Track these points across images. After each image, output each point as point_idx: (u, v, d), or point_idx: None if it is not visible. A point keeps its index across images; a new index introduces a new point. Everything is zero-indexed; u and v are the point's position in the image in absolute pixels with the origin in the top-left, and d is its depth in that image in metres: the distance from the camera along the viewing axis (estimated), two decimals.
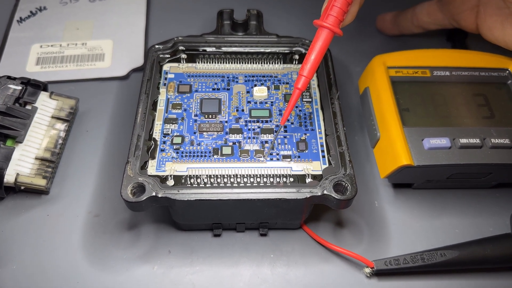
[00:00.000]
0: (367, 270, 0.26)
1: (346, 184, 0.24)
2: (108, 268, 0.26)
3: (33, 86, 0.30)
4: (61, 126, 0.31)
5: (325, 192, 0.24)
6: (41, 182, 0.28)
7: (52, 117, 0.31)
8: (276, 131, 0.27)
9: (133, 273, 0.26)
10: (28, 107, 0.30)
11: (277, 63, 0.31)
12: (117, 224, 0.28)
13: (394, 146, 0.27)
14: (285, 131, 0.27)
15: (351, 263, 0.27)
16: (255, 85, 0.29)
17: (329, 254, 0.28)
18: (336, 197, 0.24)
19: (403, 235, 0.29)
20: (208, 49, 0.31)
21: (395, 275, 0.27)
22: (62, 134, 0.30)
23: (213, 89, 0.29)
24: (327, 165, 0.26)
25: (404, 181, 0.29)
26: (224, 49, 0.31)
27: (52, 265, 0.26)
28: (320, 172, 0.25)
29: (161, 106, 0.28)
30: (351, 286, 0.26)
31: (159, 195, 0.23)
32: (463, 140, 0.27)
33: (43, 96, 0.31)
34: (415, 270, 0.26)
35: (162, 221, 0.28)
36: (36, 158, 0.29)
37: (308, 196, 0.24)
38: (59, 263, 0.26)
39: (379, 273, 0.27)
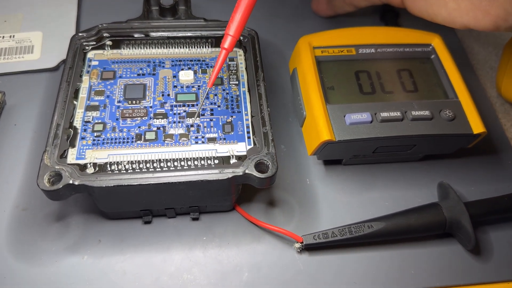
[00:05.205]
0: (297, 245, 0.27)
1: (268, 163, 0.25)
2: (36, 260, 0.26)
3: None
4: None
5: (246, 171, 0.24)
6: None
7: None
8: (203, 93, 0.27)
9: (62, 264, 0.26)
10: None
11: (205, 47, 0.31)
12: (45, 216, 0.27)
13: (317, 123, 0.27)
14: (212, 114, 0.27)
15: (282, 240, 0.28)
16: (182, 70, 0.29)
17: (261, 233, 0.28)
18: (257, 175, 0.24)
19: (334, 210, 0.29)
20: (134, 35, 0.30)
21: (325, 248, 0.28)
22: None
23: (138, 75, 0.29)
24: (252, 146, 0.26)
25: (332, 157, 0.30)
26: (150, 34, 0.31)
27: None
28: (245, 153, 0.26)
29: (83, 94, 0.27)
30: (282, 262, 0.27)
31: (76, 183, 0.23)
32: (384, 114, 0.28)
33: None
34: (344, 242, 0.27)
35: (92, 211, 0.28)
36: None
37: (231, 176, 0.24)
38: None
39: (309, 248, 0.27)
